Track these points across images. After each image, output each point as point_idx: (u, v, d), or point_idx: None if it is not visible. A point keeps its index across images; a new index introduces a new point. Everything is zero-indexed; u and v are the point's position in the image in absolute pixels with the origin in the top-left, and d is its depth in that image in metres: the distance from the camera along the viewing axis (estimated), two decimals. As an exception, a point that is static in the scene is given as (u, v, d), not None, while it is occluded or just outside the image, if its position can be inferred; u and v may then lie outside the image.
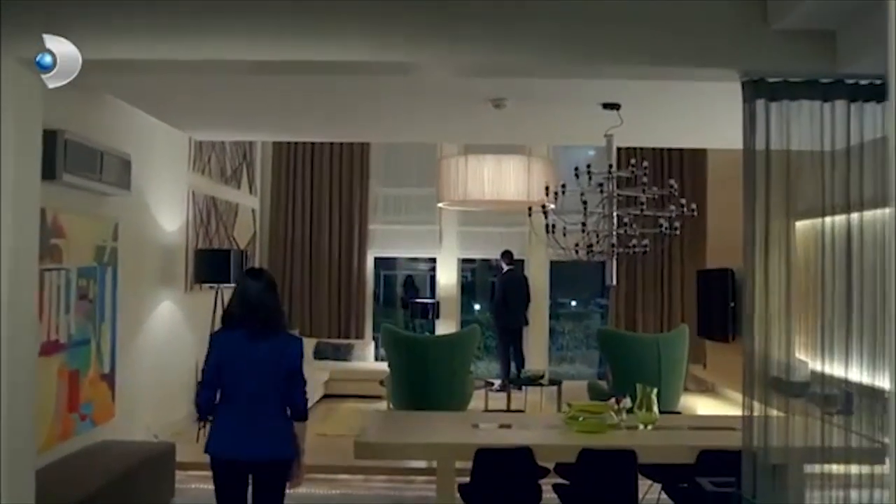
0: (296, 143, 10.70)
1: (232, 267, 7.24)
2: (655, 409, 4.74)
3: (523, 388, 7.53)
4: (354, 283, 10.65)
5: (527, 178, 8.35)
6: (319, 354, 10.22)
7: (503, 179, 8.33)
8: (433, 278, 11.20)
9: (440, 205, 8.88)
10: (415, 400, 6.49)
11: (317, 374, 9.41)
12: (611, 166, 4.98)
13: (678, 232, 4.94)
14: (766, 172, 3.62)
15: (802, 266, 3.90)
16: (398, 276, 13.23)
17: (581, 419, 4.55)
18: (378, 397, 8.30)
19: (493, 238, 10.85)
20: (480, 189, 8.35)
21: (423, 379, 6.38)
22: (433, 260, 11.07)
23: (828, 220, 3.73)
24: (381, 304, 12.13)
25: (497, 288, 10.41)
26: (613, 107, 5.09)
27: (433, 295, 11.12)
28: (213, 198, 8.51)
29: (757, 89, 3.70)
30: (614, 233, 4.91)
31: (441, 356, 6.49)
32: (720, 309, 8.79)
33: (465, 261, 11.29)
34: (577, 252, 4.83)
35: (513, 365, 10.28)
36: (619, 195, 5.06)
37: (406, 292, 12.45)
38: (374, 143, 10.49)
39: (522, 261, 10.88)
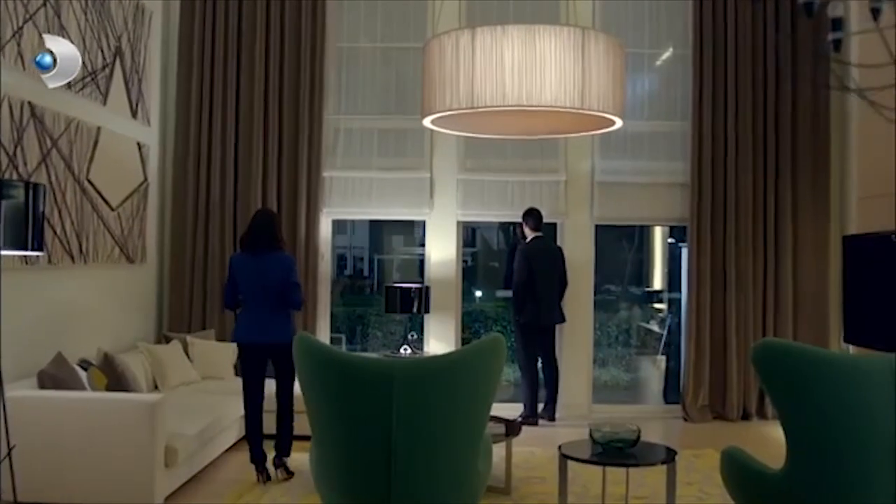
0: (213, 51, 7.06)
1: (4, 222, 3.59)
2: None
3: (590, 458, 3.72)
4: (301, 258, 7.02)
5: (580, 69, 4.73)
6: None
7: (538, 70, 4.69)
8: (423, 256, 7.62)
9: (426, 122, 5.21)
10: (369, 491, 2.92)
11: (234, 404, 5.75)
12: None
13: None
14: None
15: None
16: (394, 260, 11.10)
17: None
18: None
19: (511, 192, 7.27)
20: (497, 88, 4.69)
21: (384, 454, 2.78)
22: (422, 232, 7.46)
23: None
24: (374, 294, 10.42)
25: (519, 265, 6.81)
26: None
27: (421, 276, 7.52)
28: (31, 105, 4.88)
29: None
30: None
31: (426, 404, 2.89)
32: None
33: (464, 243, 7.72)
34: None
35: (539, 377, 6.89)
36: None
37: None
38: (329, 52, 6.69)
39: (554, 226, 7.32)
